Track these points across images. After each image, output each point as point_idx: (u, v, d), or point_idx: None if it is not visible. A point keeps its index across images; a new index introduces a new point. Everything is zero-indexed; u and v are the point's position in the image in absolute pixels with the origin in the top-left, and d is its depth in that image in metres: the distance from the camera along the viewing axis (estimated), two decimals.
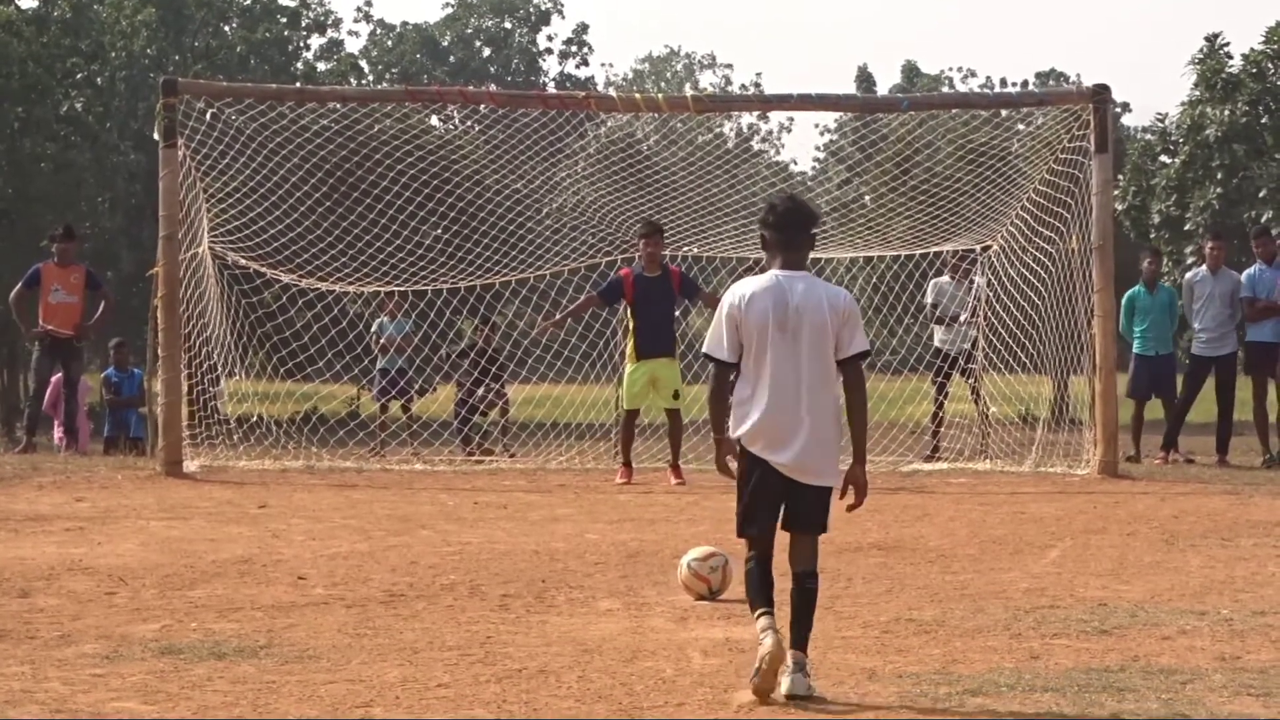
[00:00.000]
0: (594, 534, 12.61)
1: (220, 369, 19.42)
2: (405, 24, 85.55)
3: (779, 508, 7.28)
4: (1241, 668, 7.60)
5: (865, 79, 76.98)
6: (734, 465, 7.34)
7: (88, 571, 10.49)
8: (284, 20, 53.39)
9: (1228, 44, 34.36)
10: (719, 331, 7.28)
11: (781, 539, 7.37)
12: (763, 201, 27.46)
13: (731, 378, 7.33)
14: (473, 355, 22.10)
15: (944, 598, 9.65)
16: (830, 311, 7.22)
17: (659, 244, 17.24)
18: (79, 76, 43.36)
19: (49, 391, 20.99)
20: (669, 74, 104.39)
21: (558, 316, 18.43)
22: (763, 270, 7.46)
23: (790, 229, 7.32)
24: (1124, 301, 19.37)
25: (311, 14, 57.58)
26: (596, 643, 8.31)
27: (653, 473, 17.56)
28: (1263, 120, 33.74)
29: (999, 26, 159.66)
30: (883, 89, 76.99)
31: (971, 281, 19.55)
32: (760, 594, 7.22)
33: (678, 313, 18.48)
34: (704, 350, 7.33)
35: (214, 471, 17.40)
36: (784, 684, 6.96)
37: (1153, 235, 33.39)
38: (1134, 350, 19.50)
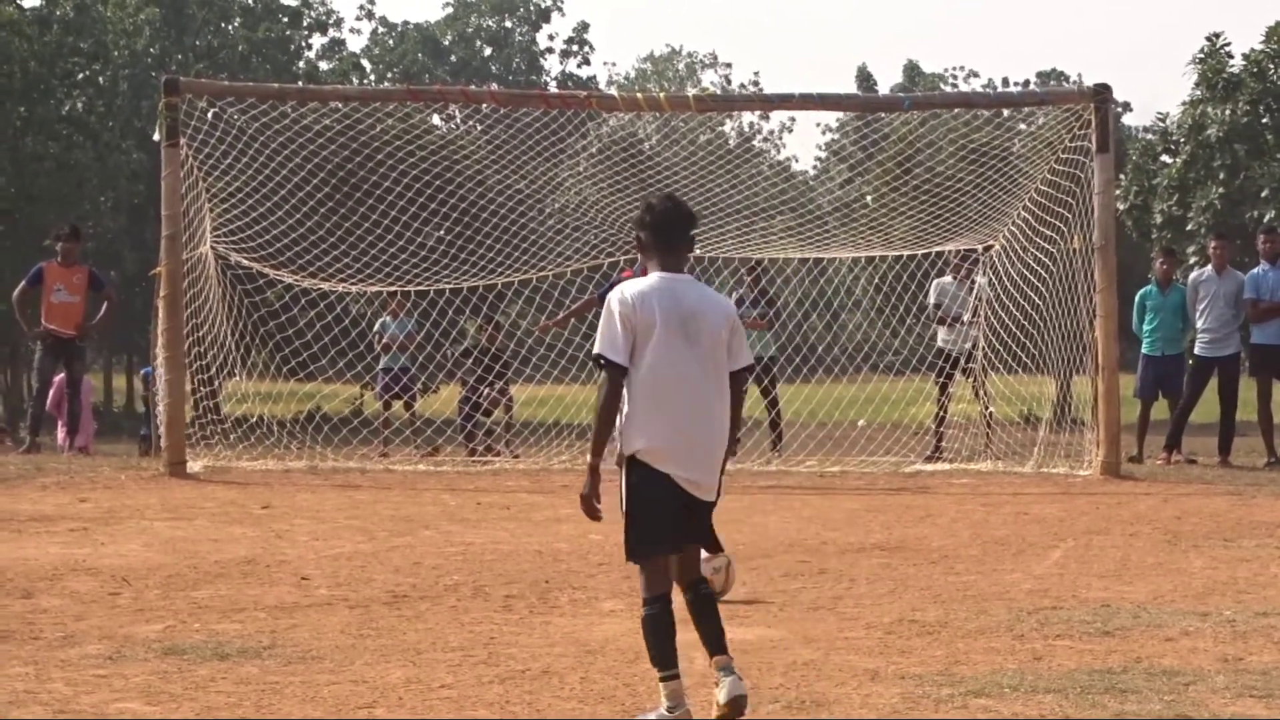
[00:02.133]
0: (597, 535, 12.61)
1: (221, 369, 19.42)
2: (407, 23, 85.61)
3: (680, 526, 6.76)
4: (1244, 669, 7.61)
5: (866, 78, 77.02)
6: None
7: (91, 572, 10.50)
8: (286, 20, 53.43)
9: (1229, 43, 34.34)
10: (612, 331, 6.67)
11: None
12: (763, 201, 27.45)
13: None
14: (476, 354, 22.11)
15: (947, 599, 9.65)
16: (724, 319, 6.81)
17: None
18: (81, 76, 43.37)
19: (52, 392, 21.00)
20: (670, 73, 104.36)
21: (560, 316, 18.44)
22: (644, 273, 6.93)
23: (669, 230, 6.84)
24: (1136, 300, 19.38)
25: (313, 13, 57.64)
26: (600, 643, 8.31)
27: None
28: (1264, 120, 33.71)
29: (1000, 26, 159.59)
30: (884, 88, 77.06)
31: (973, 282, 19.54)
32: (669, 646, 6.61)
33: None
34: (595, 351, 6.69)
35: (217, 472, 17.41)
36: (722, 692, 6.52)
37: (1154, 235, 33.39)
38: (1142, 350, 19.49)
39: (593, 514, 6.83)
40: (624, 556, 6.84)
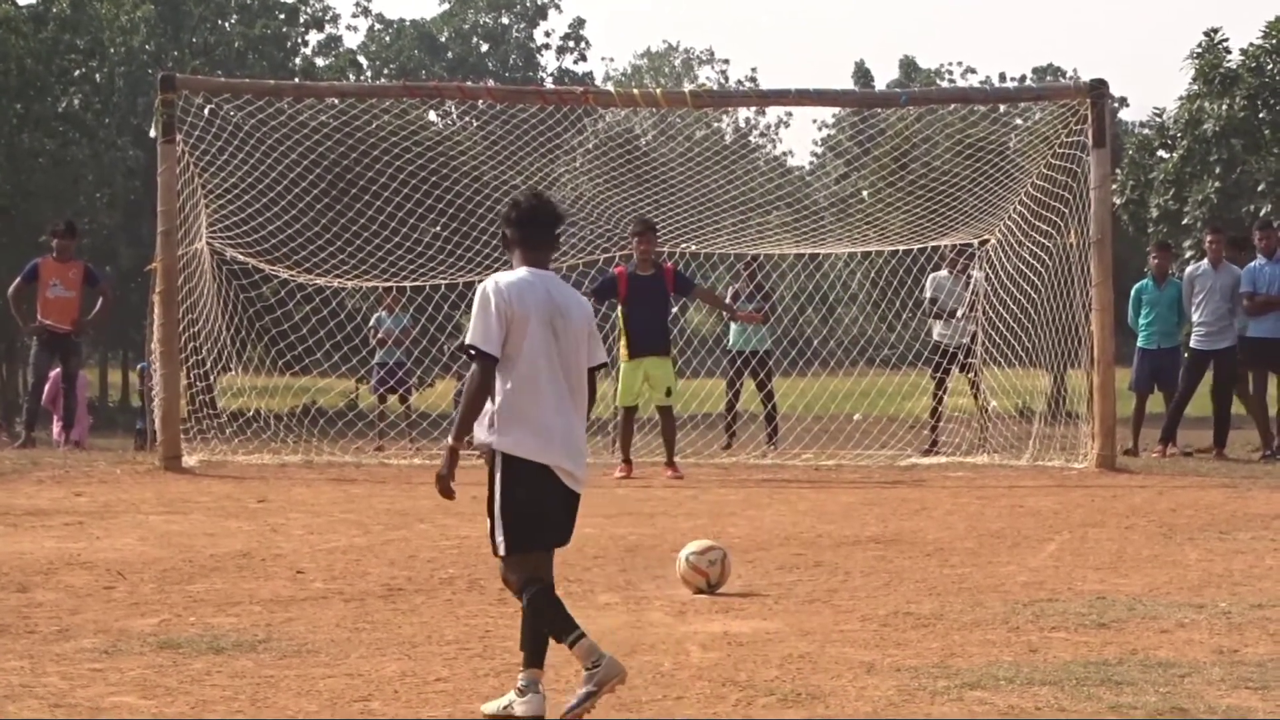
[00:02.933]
0: (592, 528, 12.60)
1: (217, 364, 19.42)
2: (403, 20, 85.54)
3: (560, 518, 6.83)
4: (1239, 661, 7.61)
5: (863, 74, 76.96)
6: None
7: (86, 566, 10.50)
8: (282, 16, 53.38)
9: (1226, 39, 34.35)
10: (487, 323, 6.69)
11: None
12: (760, 197, 27.47)
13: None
14: None
15: (942, 591, 9.66)
16: (584, 319, 6.91)
17: (652, 242, 17.25)
18: (77, 73, 43.35)
19: (48, 387, 21.00)
20: (667, 69, 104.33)
21: None
22: (513, 268, 6.92)
23: (534, 227, 6.90)
24: (1132, 294, 19.38)
25: (310, 10, 57.58)
26: (595, 636, 8.25)
27: (651, 467, 17.57)
28: (1261, 115, 33.72)
29: (996, 21, 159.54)
30: (880, 84, 77.02)
31: (970, 276, 19.55)
32: (565, 615, 6.71)
33: (675, 309, 18.50)
34: (468, 342, 6.71)
35: (213, 466, 17.41)
36: (521, 707, 6.59)
37: (1150, 230, 33.38)
38: (1138, 344, 19.49)
39: (447, 493, 6.93)
40: (493, 552, 6.86)
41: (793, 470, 17.93)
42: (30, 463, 17.06)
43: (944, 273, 19.77)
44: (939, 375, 19.47)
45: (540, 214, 6.93)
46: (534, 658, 6.71)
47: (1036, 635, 8.26)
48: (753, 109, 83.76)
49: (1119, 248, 18.93)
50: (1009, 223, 19.08)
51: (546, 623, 6.70)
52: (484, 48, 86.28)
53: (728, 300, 20.14)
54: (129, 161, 43.29)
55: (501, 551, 6.81)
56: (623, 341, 17.23)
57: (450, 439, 6.91)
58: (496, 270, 21.86)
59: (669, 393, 17.09)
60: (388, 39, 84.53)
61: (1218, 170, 33.23)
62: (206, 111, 19.07)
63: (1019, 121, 29.78)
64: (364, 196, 23.27)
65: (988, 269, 19.40)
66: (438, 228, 22.26)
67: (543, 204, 6.98)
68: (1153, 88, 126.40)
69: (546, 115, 21.79)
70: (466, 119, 31.89)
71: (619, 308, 17.30)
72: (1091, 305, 17.08)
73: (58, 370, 20.63)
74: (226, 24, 51.58)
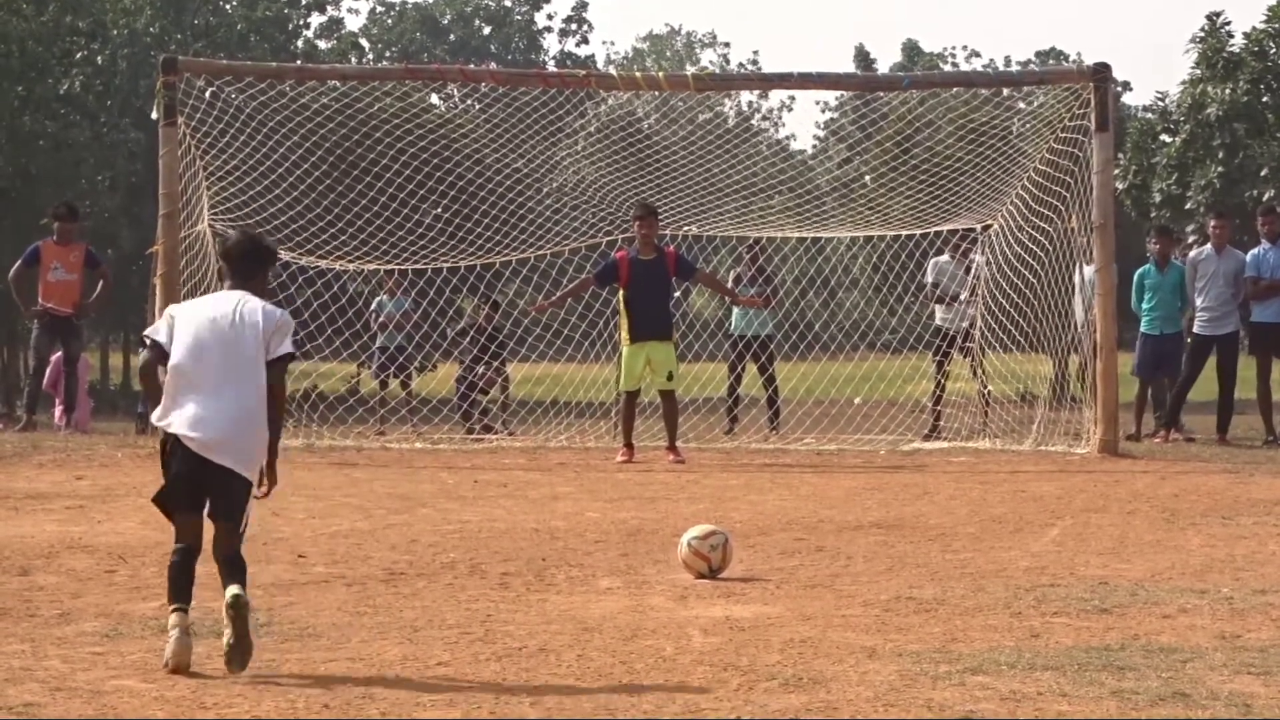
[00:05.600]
0: (594, 512, 12.62)
1: None
2: (405, 2, 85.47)
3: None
4: (1242, 646, 7.60)
5: (865, 58, 76.83)
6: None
7: (88, 549, 10.50)
8: None
9: (1229, 22, 34.30)
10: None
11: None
12: (762, 181, 27.46)
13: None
14: (473, 334, 22.09)
15: (944, 576, 9.65)
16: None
17: (653, 226, 17.20)
18: (79, 55, 43.26)
19: (49, 370, 20.98)
20: (669, 52, 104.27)
21: (555, 297, 18.40)
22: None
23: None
24: (1135, 279, 19.36)
25: None
26: (596, 621, 8.30)
27: (653, 451, 17.56)
28: (1264, 99, 33.67)
29: (999, 5, 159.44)
30: (883, 68, 76.87)
31: (971, 260, 19.53)
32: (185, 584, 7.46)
33: (677, 293, 18.47)
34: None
35: None
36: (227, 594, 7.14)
37: (1153, 214, 33.35)
38: (1141, 329, 19.48)
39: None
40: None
41: (794, 455, 17.92)
42: (31, 446, 17.05)
43: (945, 257, 19.77)
44: (940, 359, 19.47)
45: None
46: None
47: (1038, 620, 8.25)
48: (755, 92, 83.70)
49: (1121, 233, 18.91)
50: (1011, 207, 19.05)
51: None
52: (486, 30, 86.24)
53: (729, 284, 20.12)
54: (130, 144, 43.17)
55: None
56: (624, 326, 17.20)
57: None
58: (498, 254, 21.82)
59: (671, 377, 17.08)
60: (390, 21, 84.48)
61: (1221, 155, 33.18)
62: (208, 94, 19.04)
63: (1022, 105, 29.76)
64: (366, 179, 23.24)
65: (990, 253, 19.38)
66: (439, 210, 22.24)
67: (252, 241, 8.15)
68: (1156, 72, 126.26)
69: (549, 98, 21.78)
70: (468, 102, 31.86)
71: (620, 292, 17.27)
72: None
73: (59, 353, 20.60)
74: (228, 6, 51.45)
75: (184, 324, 7.54)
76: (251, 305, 7.75)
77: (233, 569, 7.26)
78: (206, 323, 7.55)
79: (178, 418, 7.46)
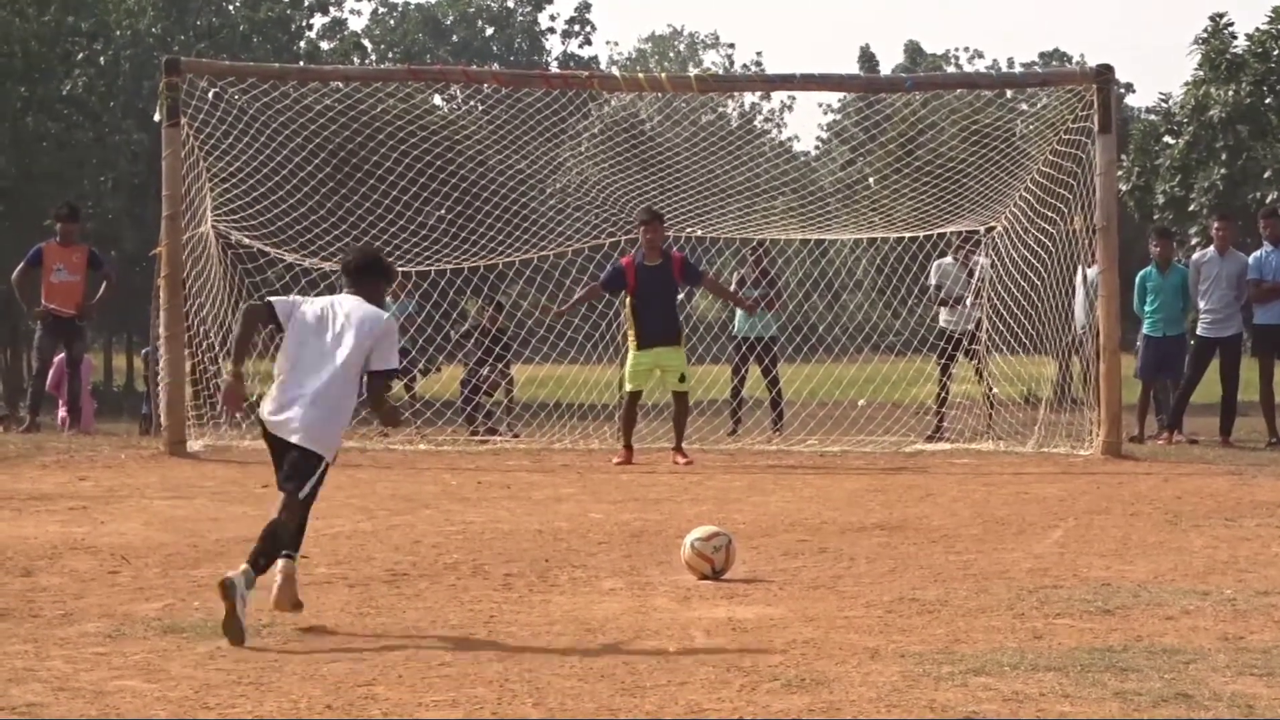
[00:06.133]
0: (597, 513, 12.62)
1: (221, 348, 19.40)
2: (408, 3, 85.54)
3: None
4: (1245, 648, 7.60)
5: (868, 59, 76.90)
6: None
7: (91, 550, 10.50)
8: (287, 0, 53.26)
9: (1232, 24, 34.26)
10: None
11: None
12: (765, 182, 27.47)
13: None
14: (477, 335, 22.09)
15: (947, 577, 9.65)
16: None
17: (659, 231, 17.14)
18: (82, 56, 43.28)
19: (52, 371, 20.99)
20: (672, 53, 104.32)
21: (569, 304, 18.31)
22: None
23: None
24: (1136, 282, 19.35)
25: None
26: (599, 622, 8.31)
27: (656, 453, 17.55)
28: (1267, 100, 33.66)
29: (1003, 6, 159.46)
30: (886, 69, 76.93)
31: (974, 262, 19.53)
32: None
33: (681, 296, 18.45)
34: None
35: (217, 451, 17.41)
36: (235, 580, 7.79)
37: (1156, 216, 33.35)
38: (1143, 331, 19.47)
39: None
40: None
41: (798, 456, 17.91)
42: (34, 447, 17.07)
43: (949, 259, 19.76)
44: (944, 362, 19.47)
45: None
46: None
47: (1041, 621, 8.25)
48: (758, 93, 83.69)
49: (1124, 234, 18.89)
50: (1015, 209, 19.05)
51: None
52: (489, 31, 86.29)
53: (733, 286, 20.09)
54: (133, 145, 43.21)
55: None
56: (631, 331, 17.17)
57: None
58: (501, 256, 21.84)
59: (684, 379, 17.07)
60: (392, 22, 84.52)
61: (1224, 156, 33.17)
62: (211, 95, 19.03)
63: (1025, 107, 29.76)
64: (369, 180, 23.22)
65: (993, 255, 19.37)
66: (442, 211, 22.23)
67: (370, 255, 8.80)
68: (1159, 73, 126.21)
69: (552, 99, 21.76)
70: (471, 103, 31.87)
71: (627, 298, 17.23)
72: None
73: (62, 355, 20.62)
74: (231, 7, 51.49)
75: (302, 314, 8.29)
76: (359, 309, 8.35)
77: (276, 541, 8.14)
78: (315, 319, 8.28)
79: (266, 399, 8.28)
